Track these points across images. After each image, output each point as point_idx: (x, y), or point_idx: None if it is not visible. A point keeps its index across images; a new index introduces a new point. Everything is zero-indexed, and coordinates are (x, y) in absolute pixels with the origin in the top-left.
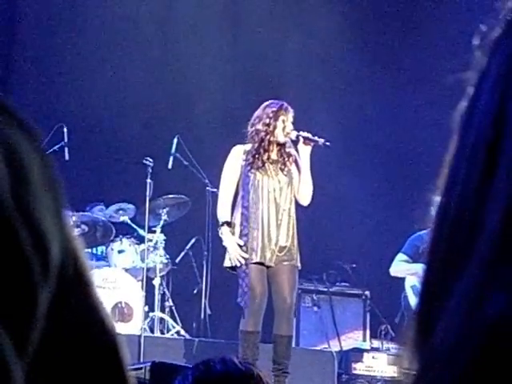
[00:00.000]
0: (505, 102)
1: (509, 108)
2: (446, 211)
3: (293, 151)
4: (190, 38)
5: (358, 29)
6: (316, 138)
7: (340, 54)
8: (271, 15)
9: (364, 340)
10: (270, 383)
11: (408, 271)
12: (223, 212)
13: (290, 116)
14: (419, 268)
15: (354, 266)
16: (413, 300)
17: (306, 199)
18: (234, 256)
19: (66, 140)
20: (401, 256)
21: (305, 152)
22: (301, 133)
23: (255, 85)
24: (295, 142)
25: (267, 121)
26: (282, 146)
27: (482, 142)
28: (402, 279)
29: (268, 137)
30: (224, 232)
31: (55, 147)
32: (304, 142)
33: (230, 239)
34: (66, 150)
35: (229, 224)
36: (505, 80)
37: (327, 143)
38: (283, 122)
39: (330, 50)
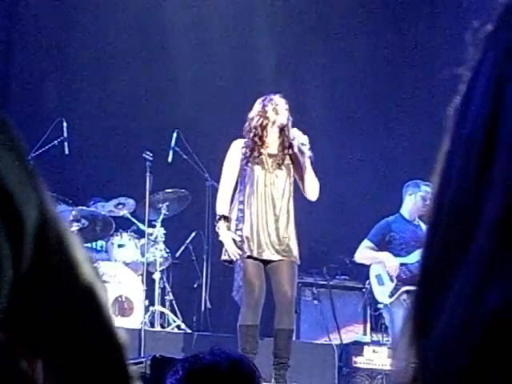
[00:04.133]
0: (501, 92)
1: (506, 95)
2: (443, 203)
3: (295, 141)
4: (192, 32)
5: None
6: (306, 150)
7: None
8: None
9: (364, 333)
10: (258, 370)
11: (374, 259)
12: (221, 206)
13: (280, 101)
14: (385, 257)
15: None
16: (376, 289)
17: (312, 195)
18: (229, 251)
19: (65, 134)
20: (366, 242)
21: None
22: (295, 139)
23: (255, 78)
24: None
25: (258, 107)
26: (281, 130)
27: (479, 131)
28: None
29: (261, 120)
30: (220, 226)
31: (55, 142)
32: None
33: (225, 234)
34: (66, 144)
35: (226, 218)
36: (499, 76)
37: (310, 157)
38: (272, 104)
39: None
